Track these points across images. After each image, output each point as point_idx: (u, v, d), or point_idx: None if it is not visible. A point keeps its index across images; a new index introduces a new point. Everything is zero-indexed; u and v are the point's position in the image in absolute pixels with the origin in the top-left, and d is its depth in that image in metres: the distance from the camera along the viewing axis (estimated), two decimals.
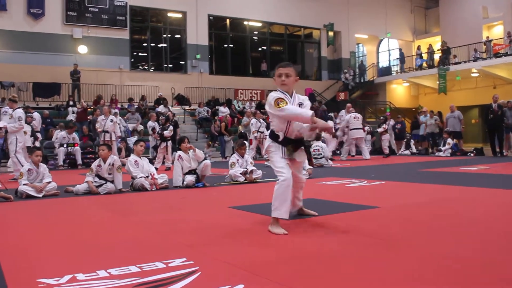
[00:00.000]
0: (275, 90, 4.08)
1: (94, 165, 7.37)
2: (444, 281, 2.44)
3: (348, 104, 16.03)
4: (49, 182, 6.98)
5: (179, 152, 7.94)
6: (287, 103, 3.87)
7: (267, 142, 4.15)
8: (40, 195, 6.75)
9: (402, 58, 27.95)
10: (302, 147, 4.13)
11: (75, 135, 14.87)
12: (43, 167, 7.16)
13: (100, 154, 7.35)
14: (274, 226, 3.85)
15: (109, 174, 7.26)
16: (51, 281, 2.57)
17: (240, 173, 8.24)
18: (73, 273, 2.70)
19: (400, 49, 28.74)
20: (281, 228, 3.81)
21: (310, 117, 3.71)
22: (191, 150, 7.87)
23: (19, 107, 10.36)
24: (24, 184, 6.75)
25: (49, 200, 6.57)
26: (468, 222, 4.12)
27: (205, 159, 8.22)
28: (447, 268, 2.67)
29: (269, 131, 4.26)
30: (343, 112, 15.14)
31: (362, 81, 28.47)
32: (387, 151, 16.46)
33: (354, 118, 15.03)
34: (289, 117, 3.89)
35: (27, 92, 18.98)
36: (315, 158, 11.57)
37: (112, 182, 7.24)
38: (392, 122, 18.38)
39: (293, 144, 4.05)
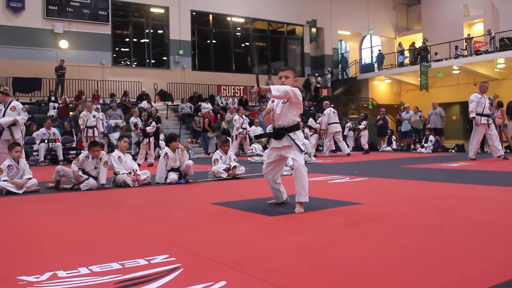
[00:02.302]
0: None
1: (82, 156, 7.31)
2: (428, 274, 2.46)
3: (326, 102, 16.12)
4: (29, 178, 6.90)
5: (166, 150, 7.90)
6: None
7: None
8: (21, 192, 6.66)
9: (380, 59, 28.14)
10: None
11: (55, 130, 14.71)
12: (23, 163, 7.08)
13: (95, 155, 7.23)
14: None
15: (95, 168, 7.21)
16: (31, 279, 2.53)
17: (223, 170, 8.22)
18: (54, 270, 2.67)
19: (379, 50, 28.94)
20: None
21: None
22: (179, 149, 7.83)
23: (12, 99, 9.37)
24: (4, 180, 6.67)
25: (30, 196, 6.49)
26: (449, 218, 4.15)
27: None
28: (431, 262, 2.69)
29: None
30: (327, 110, 15.07)
31: (344, 77, 28.58)
32: (366, 147, 16.65)
33: (334, 113, 15.04)
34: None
35: (7, 87, 18.68)
36: None
37: (95, 178, 7.18)
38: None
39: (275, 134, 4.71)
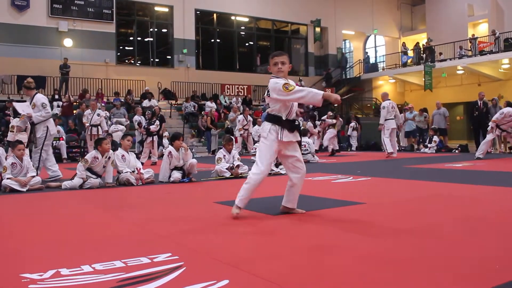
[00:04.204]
0: (274, 77, 4.19)
1: (89, 156, 7.23)
2: (429, 274, 2.46)
3: (385, 92, 14.49)
4: (33, 176, 6.92)
5: (169, 148, 7.90)
6: (294, 87, 4.05)
7: (266, 125, 4.23)
8: (24, 189, 6.69)
9: (367, 60, 28.13)
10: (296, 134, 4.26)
11: (60, 128, 14.74)
12: (27, 161, 7.09)
13: (107, 148, 7.23)
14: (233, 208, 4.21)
15: (104, 166, 7.22)
16: (34, 276, 2.54)
17: (226, 168, 8.23)
18: (57, 268, 2.68)
19: (366, 53, 28.88)
20: (236, 209, 4.19)
21: (321, 98, 3.89)
22: (183, 149, 7.83)
23: (37, 92, 8.76)
24: (8, 178, 6.68)
25: (33, 194, 6.51)
26: (452, 218, 4.15)
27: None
28: (433, 262, 2.69)
29: (262, 116, 4.60)
30: (385, 103, 13.41)
31: (347, 77, 28.58)
32: (331, 148, 16.07)
33: (392, 107, 13.38)
34: (303, 100, 4.07)
35: (12, 85, 18.76)
36: (302, 153, 11.54)
37: (99, 177, 7.19)
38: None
39: (291, 125, 4.19)
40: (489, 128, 12.08)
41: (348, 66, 29.22)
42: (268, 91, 4.20)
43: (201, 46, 25.30)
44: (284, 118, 4.16)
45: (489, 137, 11.96)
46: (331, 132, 15.94)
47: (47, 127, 8.51)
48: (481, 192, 5.90)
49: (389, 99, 13.61)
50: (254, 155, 12.89)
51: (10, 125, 11.28)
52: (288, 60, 4.30)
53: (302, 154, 11.37)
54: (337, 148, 17.33)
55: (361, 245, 3.20)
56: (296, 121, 4.31)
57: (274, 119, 4.19)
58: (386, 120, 13.27)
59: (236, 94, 23.92)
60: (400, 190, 6.44)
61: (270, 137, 4.16)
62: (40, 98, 8.59)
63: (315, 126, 16.33)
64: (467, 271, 2.56)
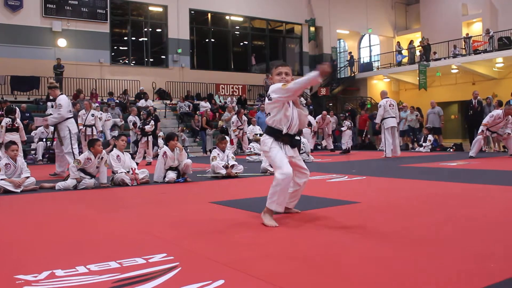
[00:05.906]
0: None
1: (82, 157, 7.20)
2: (425, 273, 2.46)
3: (384, 90, 14.20)
4: (27, 177, 6.89)
5: (164, 149, 7.89)
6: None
7: (267, 139, 4.04)
8: (19, 190, 6.66)
9: (351, 62, 28.21)
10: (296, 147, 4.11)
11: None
12: (21, 161, 7.06)
13: (100, 150, 7.21)
14: (267, 217, 3.91)
15: (97, 167, 7.19)
16: (29, 277, 2.53)
17: (222, 166, 8.23)
18: (52, 269, 2.66)
19: (349, 53, 28.92)
20: (273, 220, 3.88)
21: (317, 75, 3.74)
22: (177, 149, 7.82)
23: (61, 94, 9.11)
24: (1, 179, 6.65)
25: (28, 195, 6.48)
26: (447, 216, 4.15)
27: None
28: (428, 261, 2.70)
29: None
30: (382, 101, 13.17)
31: (340, 76, 28.62)
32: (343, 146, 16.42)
33: (390, 105, 13.12)
34: (301, 87, 3.90)
35: (5, 85, 18.70)
36: None
37: (93, 177, 7.17)
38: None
39: (292, 140, 4.05)
40: (479, 131, 12.20)
41: (339, 67, 29.19)
42: (268, 95, 4.02)
43: (196, 46, 25.24)
44: (285, 132, 3.98)
45: (479, 137, 12.08)
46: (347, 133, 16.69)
47: (67, 127, 8.82)
48: (477, 191, 5.91)
49: (388, 97, 13.42)
50: (250, 154, 12.94)
51: None
52: (291, 72, 4.15)
53: None
54: (332, 147, 17.41)
55: (357, 245, 3.20)
56: (297, 136, 4.17)
57: (274, 132, 4.01)
58: (384, 119, 13.01)
59: (231, 93, 23.92)
60: (395, 189, 6.45)
61: (274, 146, 3.99)
62: (60, 98, 8.90)
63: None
64: (463, 269, 2.57)
